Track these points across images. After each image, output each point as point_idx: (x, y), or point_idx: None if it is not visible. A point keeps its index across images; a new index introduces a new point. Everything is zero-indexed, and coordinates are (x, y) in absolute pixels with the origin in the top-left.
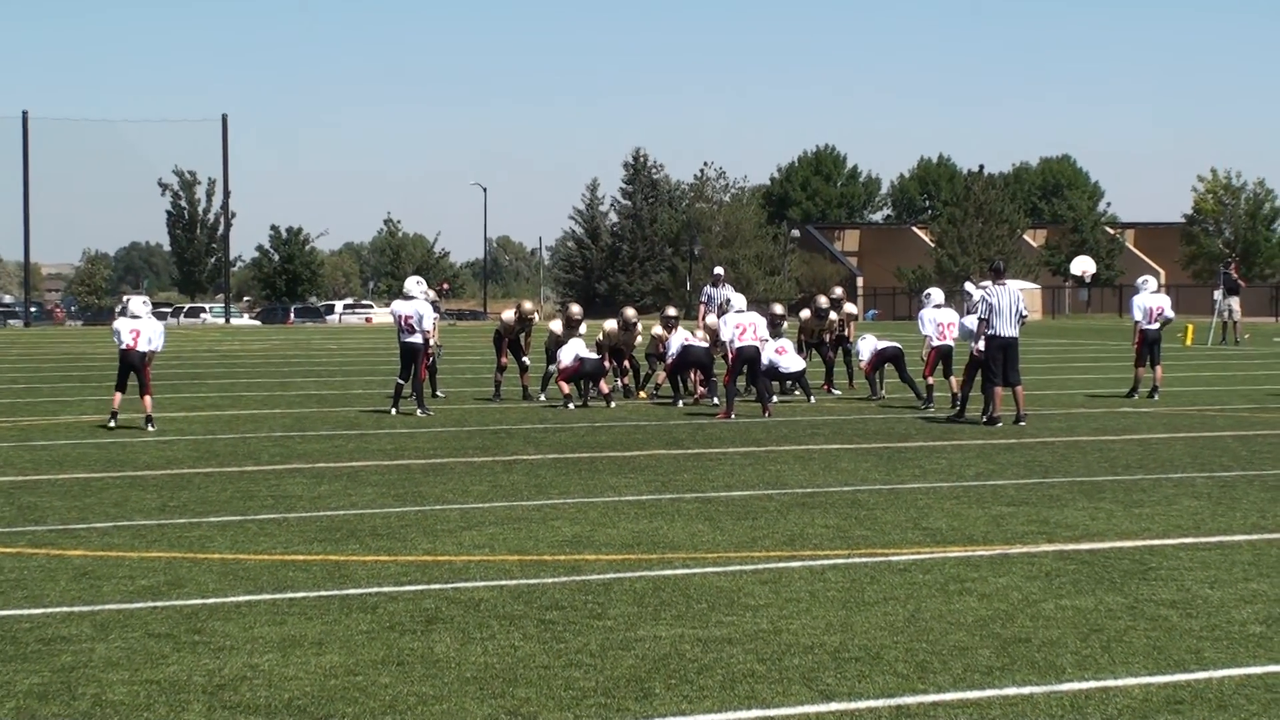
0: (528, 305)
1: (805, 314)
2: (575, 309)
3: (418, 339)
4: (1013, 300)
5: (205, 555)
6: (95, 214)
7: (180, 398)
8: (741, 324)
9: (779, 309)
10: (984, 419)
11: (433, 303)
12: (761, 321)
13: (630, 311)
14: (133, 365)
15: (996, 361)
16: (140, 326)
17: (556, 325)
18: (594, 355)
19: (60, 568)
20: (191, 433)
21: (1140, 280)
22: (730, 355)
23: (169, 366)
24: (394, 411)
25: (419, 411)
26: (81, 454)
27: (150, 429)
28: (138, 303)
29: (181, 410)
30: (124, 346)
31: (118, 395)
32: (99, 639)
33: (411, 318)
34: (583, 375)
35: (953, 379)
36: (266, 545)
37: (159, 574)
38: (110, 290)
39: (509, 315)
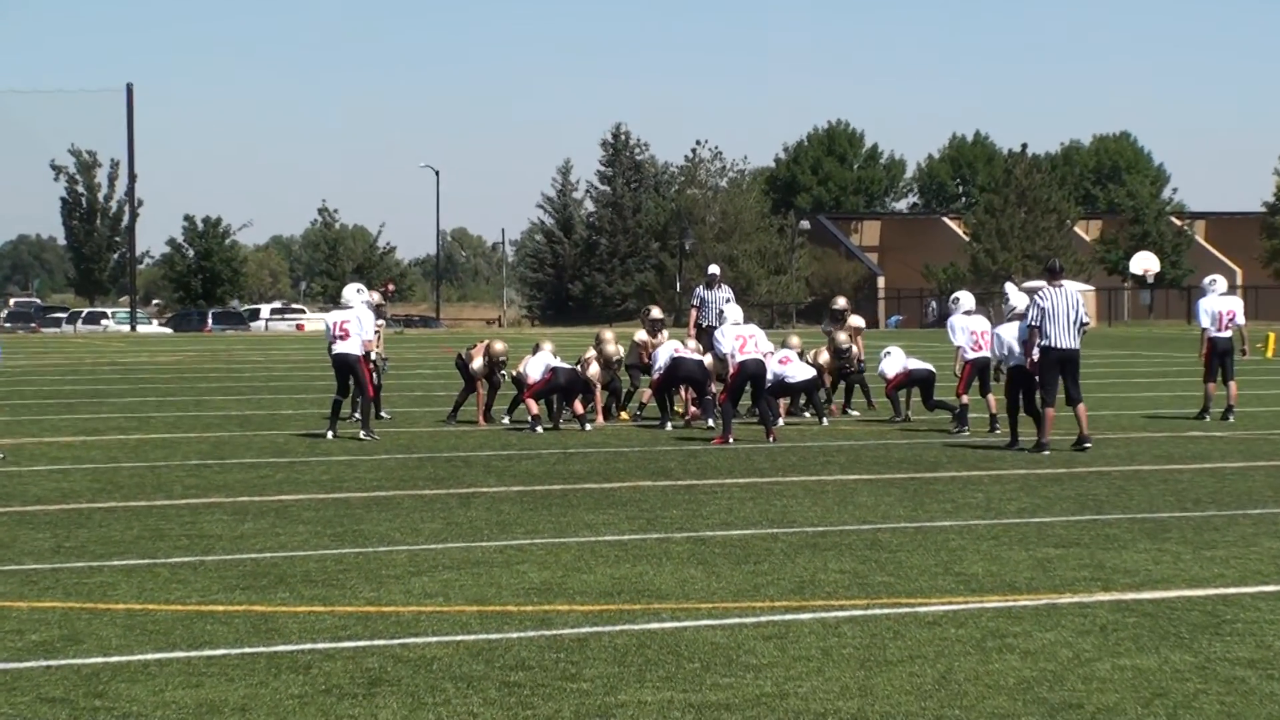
0: (499, 347)
1: (824, 358)
2: (657, 312)
3: (353, 347)
4: (1070, 304)
5: (107, 605)
6: None
7: (77, 419)
8: (742, 335)
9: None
10: (1032, 447)
11: (378, 307)
12: (762, 333)
13: (611, 348)
14: None
15: (1051, 378)
16: None
17: (640, 334)
18: (566, 366)
19: None
20: (90, 460)
21: (1208, 280)
22: (731, 370)
23: (63, 382)
24: (331, 435)
25: (362, 434)
26: None
27: None
28: None
29: (79, 434)
30: None
31: None
32: None
33: (348, 323)
34: (554, 391)
35: (990, 397)
36: (180, 593)
37: (53, 627)
38: None
39: (478, 364)
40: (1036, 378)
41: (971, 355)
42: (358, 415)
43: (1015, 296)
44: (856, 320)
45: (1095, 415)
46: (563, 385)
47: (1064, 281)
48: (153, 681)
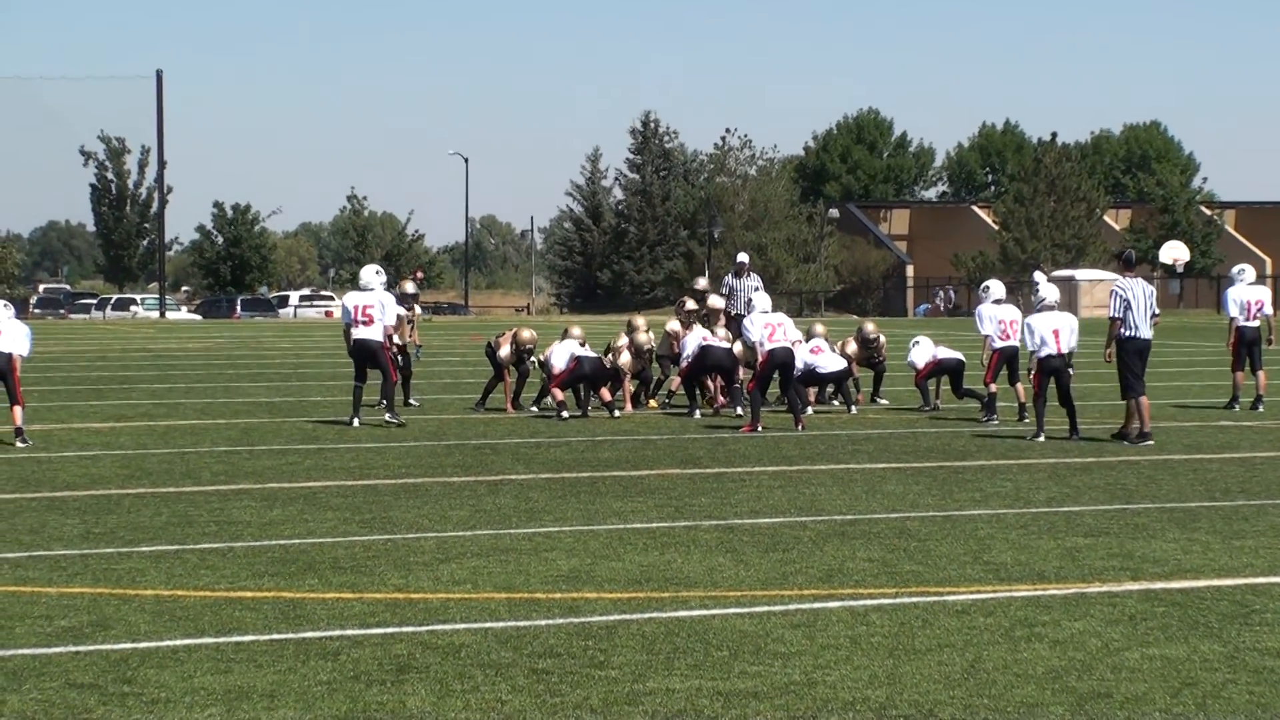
0: (526, 335)
1: (851, 347)
2: (691, 304)
3: (376, 333)
4: (1146, 295)
5: (136, 591)
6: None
7: (106, 405)
8: (770, 323)
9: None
10: (1118, 436)
11: (411, 295)
12: (790, 321)
13: (643, 336)
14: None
15: (1135, 367)
16: (4, 326)
17: (674, 324)
18: (592, 355)
19: None
20: (120, 447)
21: (1236, 270)
22: (760, 359)
23: (92, 368)
24: (356, 422)
25: (388, 417)
26: None
27: (20, 444)
28: None
29: (108, 420)
30: None
31: (15, 409)
32: (11, 689)
33: (371, 307)
34: (579, 380)
35: (1019, 386)
36: (208, 580)
37: (82, 613)
38: (24, 278)
39: (505, 351)
40: (1090, 370)
41: (1000, 344)
42: (384, 401)
43: (1046, 287)
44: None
45: (1123, 406)
46: (587, 374)
47: (1136, 273)
48: (181, 667)
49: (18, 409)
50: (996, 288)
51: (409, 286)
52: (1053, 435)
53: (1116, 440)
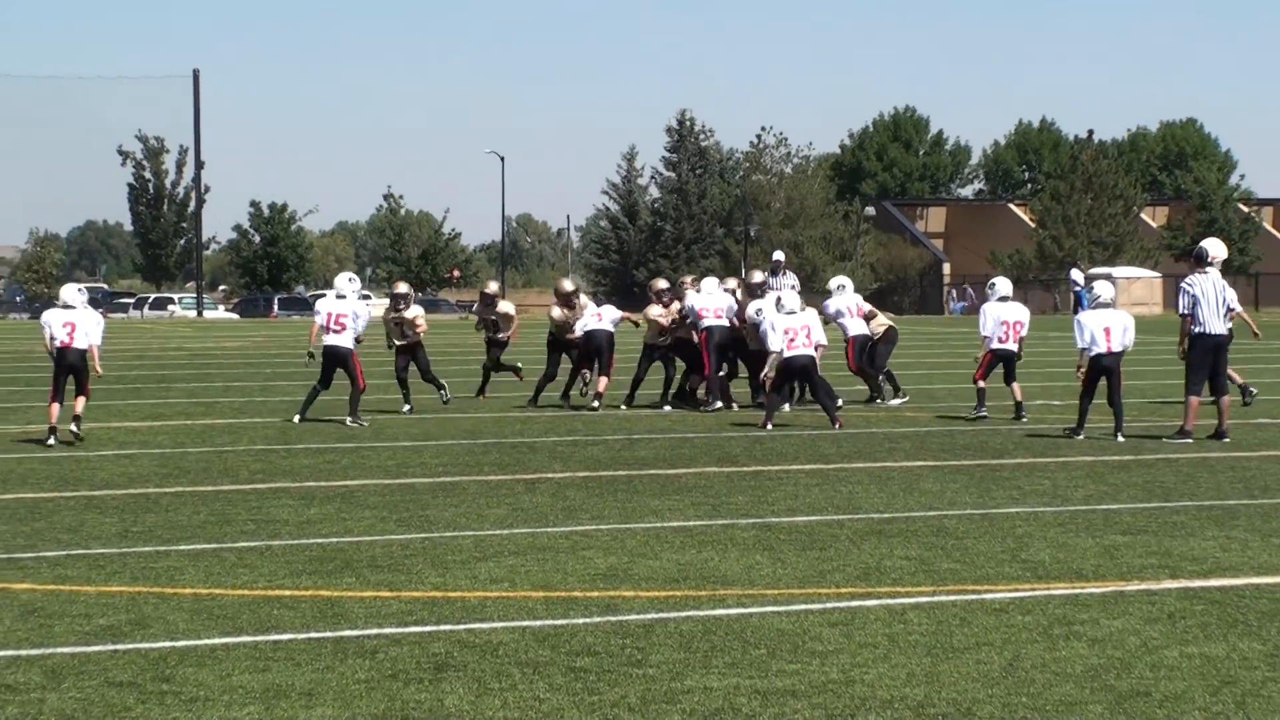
0: (566, 286)
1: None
2: (663, 282)
3: (345, 340)
4: (1218, 290)
5: (174, 590)
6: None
7: (145, 404)
8: (792, 328)
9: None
10: (1214, 437)
11: (401, 295)
12: (817, 322)
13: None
14: (72, 367)
15: (1203, 365)
16: (76, 319)
17: (654, 310)
18: (606, 330)
19: (4, 604)
20: (158, 445)
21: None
22: (774, 364)
23: (130, 367)
24: (297, 419)
25: (349, 420)
26: (28, 470)
27: (74, 428)
28: (71, 290)
29: (146, 419)
30: (59, 344)
31: (55, 406)
32: (50, 688)
33: (344, 316)
34: (588, 354)
35: (1015, 385)
36: (246, 578)
37: (120, 611)
38: (62, 278)
39: (557, 312)
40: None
41: (996, 346)
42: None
43: (1101, 285)
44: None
45: (1162, 405)
46: (596, 348)
47: (1210, 269)
48: (219, 666)
49: (81, 399)
50: (1003, 285)
51: (401, 287)
52: (1091, 435)
53: (1216, 439)
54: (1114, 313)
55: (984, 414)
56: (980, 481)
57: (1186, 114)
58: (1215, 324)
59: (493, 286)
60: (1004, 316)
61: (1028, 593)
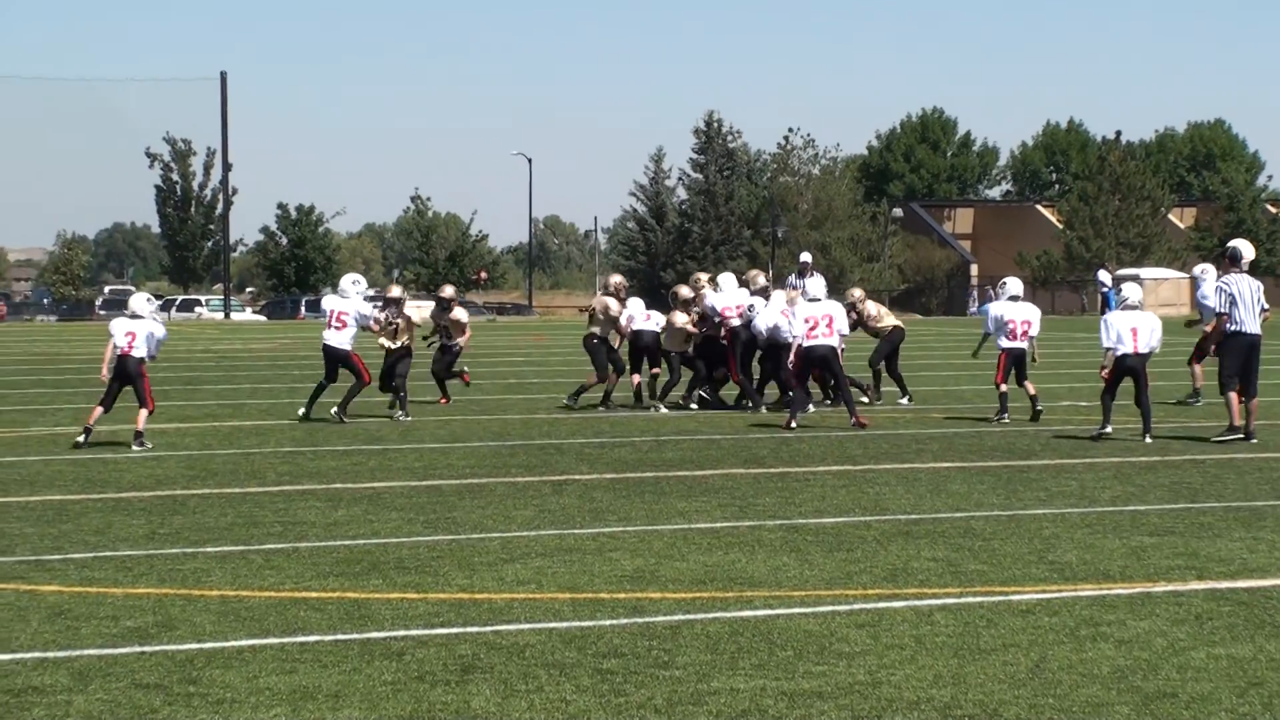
0: (617, 279)
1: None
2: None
3: (344, 340)
4: (1253, 290)
5: (201, 591)
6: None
7: (172, 407)
8: (813, 316)
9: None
10: (1225, 433)
11: (396, 300)
12: (840, 312)
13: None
14: (127, 375)
15: (1235, 362)
16: (137, 328)
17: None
18: (652, 329)
19: (32, 606)
20: (185, 448)
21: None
22: (794, 353)
23: (157, 369)
24: (301, 411)
25: (334, 410)
26: (56, 472)
27: (137, 448)
28: (139, 300)
29: (173, 421)
30: (119, 351)
31: (98, 410)
32: (77, 690)
33: (345, 314)
34: (639, 352)
35: (1028, 384)
36: (273, 580)
37: (147, 613)
38: (90, 280)
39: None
40: (1220, 362)
41: (1006, 344)
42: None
43: (1130, 288)
44: (874, 308)
45: (1188, 406)
46: (644, 346)
47: (1244, 268)
48: (246, 668)
49: (143, 412)
50: (1013, 285)
51: (395, 290)
52: (1119, 436)
53: (1244, 440)
54: (1142, 314)
55: (1006, 419)
56: (1007, 483)
57: (1214, 115)
58: (1251, 323)
59: (448, 291)
60: (1011, 315)
61: (1055, 594)
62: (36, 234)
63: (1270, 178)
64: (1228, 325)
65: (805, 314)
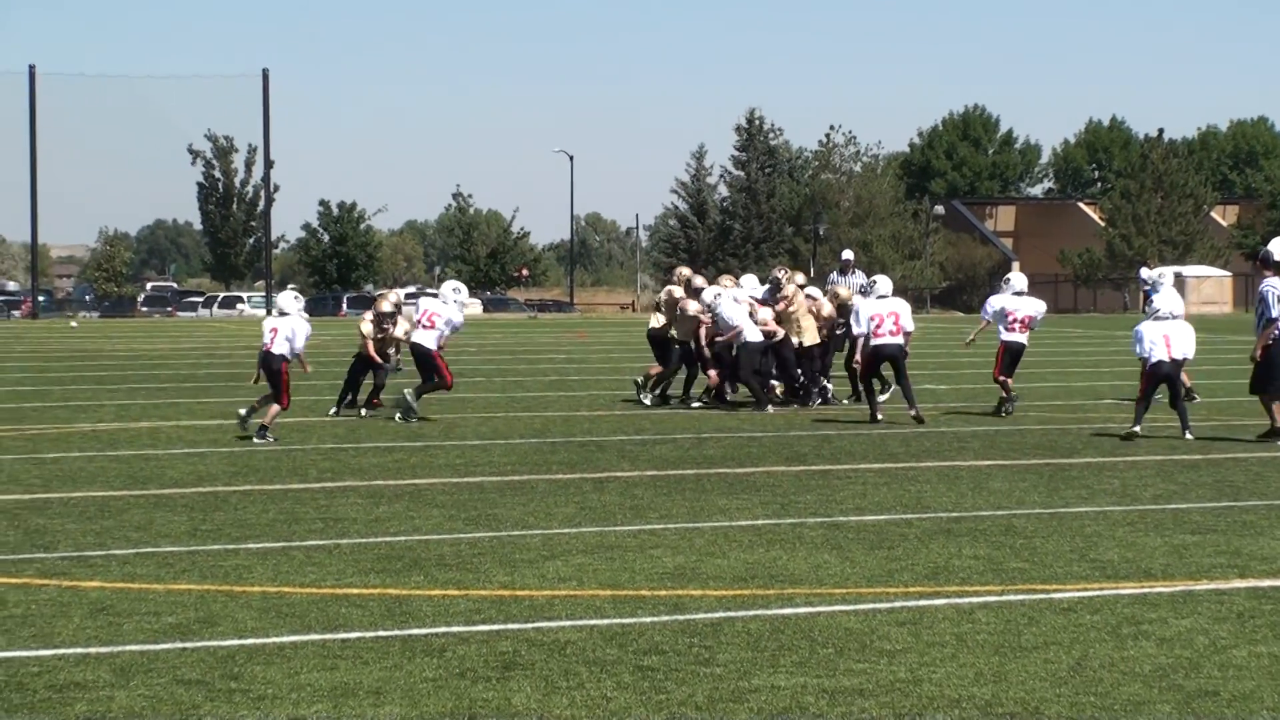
0: (689, 274)
1: (827, 309)
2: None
3: (428, 339)
4: None
5: (243, 588)
6: (114, 187)
7: (213, 403)
8: (879, 314)
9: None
10: (1267, 436)
11: (388, 315)
12: (906, 309)
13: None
14: (267, 369)
15: None
16: (280, 325)
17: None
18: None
19: (74, 602)
20: (226, 444)
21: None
22: (861, 352)
23: (199, 366)
24: (400, 418)
25: (406, 392)
26: (99, 469)
27: (259, 441)
28: (286, 297)
29: (214, 418)
30: (263, 347)
31: (273, 407)
32: (119, 685)
33: (436, 315)
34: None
35: (1009, 380)
36: (315, 576)
37: (189, 610)
38: (132, 276)
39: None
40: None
41: (1005, 337)
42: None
43: (1162, 299)
44: (842, 291)
45: (1232, 403)
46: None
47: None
48: (288, 664)
49: (274, 407)
50: (1017, 280)
51: (385, 305)
52: (1157, 434)
53: (1265, 440)
54: (1175, 323)
55: (1011, 408)
56: (1049, 480)
57: (1257, 112)
58: None
59: (391, 298)
60: (1013, 308)
61: (1096, 592)
62: (79, 231)
63: None
64: (1276, 331)
65: (871, 311)
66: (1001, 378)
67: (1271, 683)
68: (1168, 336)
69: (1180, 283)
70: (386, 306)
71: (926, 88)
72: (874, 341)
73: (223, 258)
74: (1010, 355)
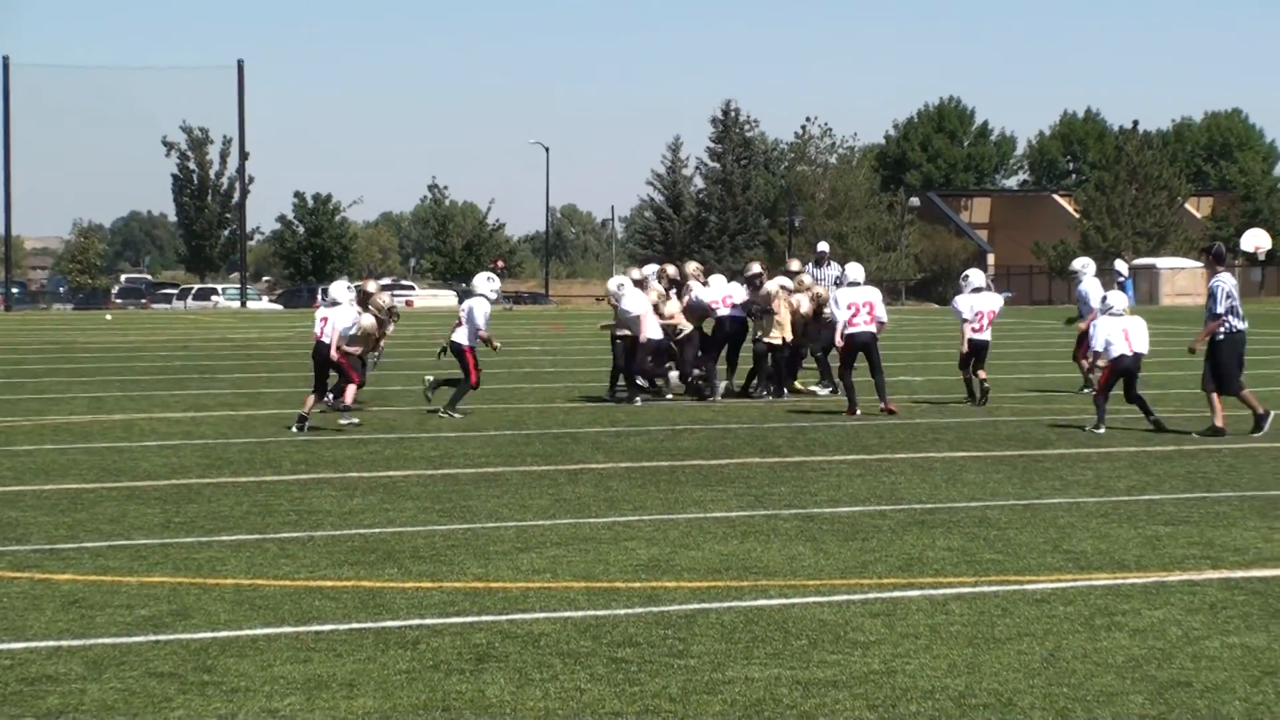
0: (671, 271)
1: (806, 307)
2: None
3: (460, 336)
4: (1236, 289)
5: (216, 580)
6: (89, 178)
7: (188, 395)
8: (855, 302)
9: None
10: (1204, 431)
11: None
12: (878, 298)
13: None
14: (319, 360)
15: (1237, 362)
16: (331, 314)
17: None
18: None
19: (46, 594)
20: (200, 436)
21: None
22: (839, 342)
23: (174, 358)
24: (454, 416)
25: (450, 413)
26: (71, 461)
27: (343, 423)
28: (338, 287)
29: (189, 410)
30: (315, 337)
31: (310, 398)
32: (91, 679)
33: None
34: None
35: (982, 372)
36: (288, 569)
37: (162, 602)
38: (106, 268)
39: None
40: (1212, 365)
41: (971, 335)
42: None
43: (1114, 296)
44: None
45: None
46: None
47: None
48: (261, 656)
49: (350, 388)
50: (975, 277)
51: (370, 285)
52: (1129, 426)
53: (1204, 435)
54: (1130, 319)
55: (983, 400)
56: (1023, 472)
57: (1231, 104)
58: (1240, 322)
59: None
60: (976, 306)
61: (1069, 583)
62: (53, 223)
63: None
64: (1227, 321)
65: (847, 300)
66: (970, 372)
67: (1243, 673)
68: (1126, 331)
69: (1154, 274)
70: (372, 286)
71: (902, 80)
72: (848, 330)
73: (197, 250)
74: (976, 351)
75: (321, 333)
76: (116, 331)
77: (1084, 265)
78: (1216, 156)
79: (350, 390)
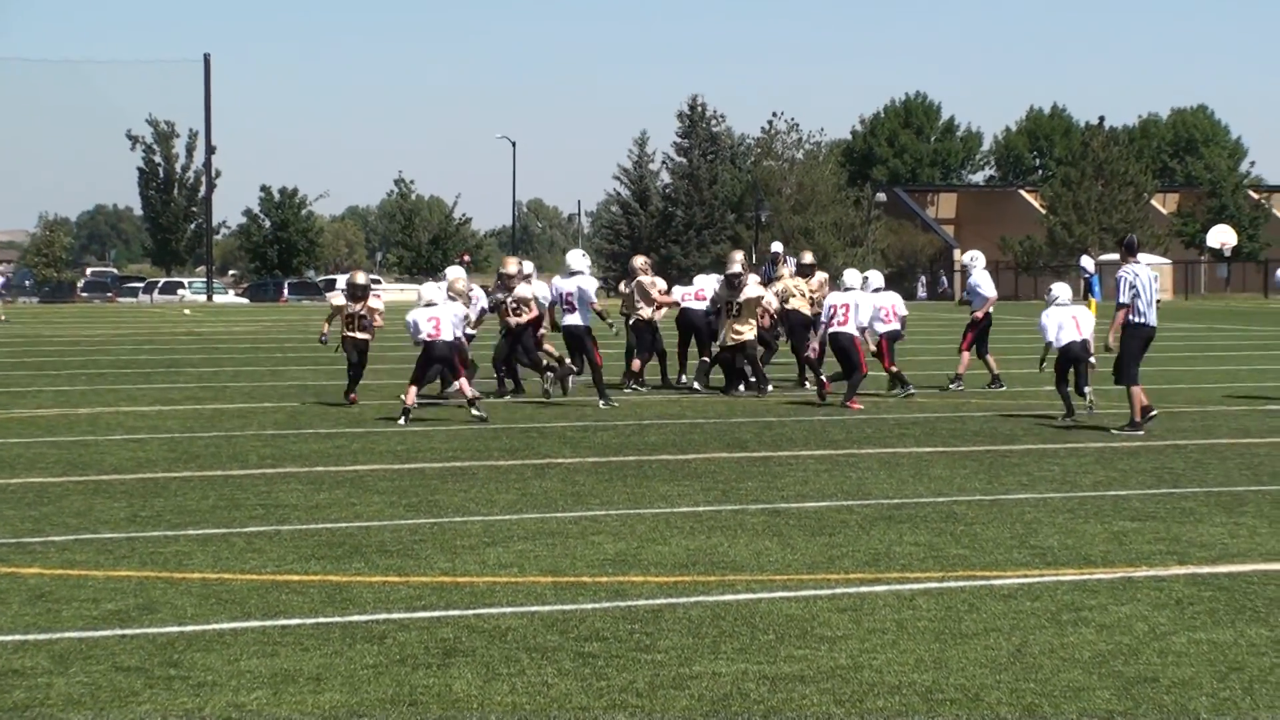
0: (638, 261)
1: (775, 305)
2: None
3: (577, 319)
4: (1151, 281)
5: (183, 574)
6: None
7: (153, 389)
8: (835, 305)
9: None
10: (1126, 427)
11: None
12: (865, 301)
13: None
14: (442, 358)
15: (1140, 354)
16: (439, 314)
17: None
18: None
19: (12, 588)
20: (167, 430)
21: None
22: (818, 338)
23: (139, 352)
24: (606, 405)
25: (601, 403)
26: (37, 454)
27: (475, 413)
28: (432, 289)
29: (155, 404)
30: (426, 337)
31: (412, 390)
32: (57, 673)
33: (571, 294)
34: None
35: (893, 368)
36: (255, 563)
37: (128, 596)
38: (72, 262)
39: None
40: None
41: (882, 328)
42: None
43: (1058, 287)
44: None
45: (1172, 390)
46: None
47: (1139, 258)
48: (227, 651)
49: (462, 381)
50: (874, 278)
51: (360, 277)
52: (1101, 424)
53: (1129, 429)
54: (1075, 308)
55: (912, 390)
56: (990, 468)
57: (1197, 101)
58: (1151, 315)
59: (361, 278)
60: (880, 304)
61: (1036, 579)
62: (18, 216)
63: (1253, 164)
64: (1130, 317)
65: (831, 302)
66: (895, 367)
67: (1210, 669)
68: (1075, 318)
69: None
70: (361, 278)
71: (869, 75)
72: (831, 330)
73: (164, 243)
74: (891, 343)
75: (438, 330)
76: (83, 325)
77: (973, 259)
78: (1182, 152)
79: (465, 383)
